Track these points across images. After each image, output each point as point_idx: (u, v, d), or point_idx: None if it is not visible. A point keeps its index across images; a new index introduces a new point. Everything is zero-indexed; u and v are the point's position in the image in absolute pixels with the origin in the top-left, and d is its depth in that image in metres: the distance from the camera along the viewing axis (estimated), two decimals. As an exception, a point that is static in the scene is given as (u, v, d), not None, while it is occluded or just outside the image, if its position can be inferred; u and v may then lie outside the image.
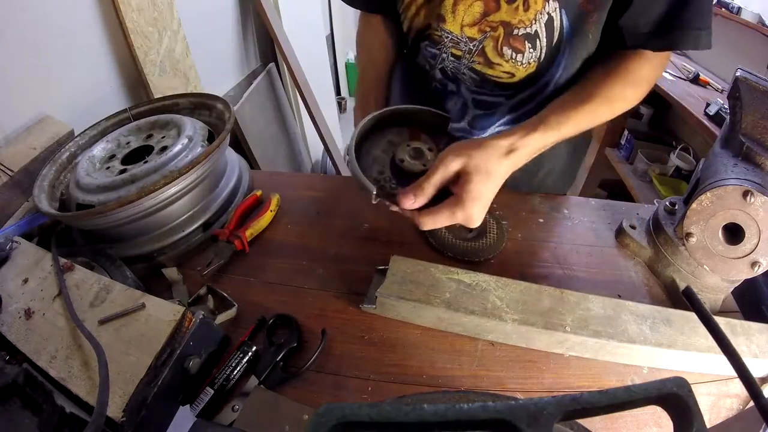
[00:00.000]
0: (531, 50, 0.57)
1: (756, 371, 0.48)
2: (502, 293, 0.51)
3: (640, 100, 0.58)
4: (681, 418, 0.20)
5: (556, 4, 0.53)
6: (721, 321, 0.49)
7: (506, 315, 0.48)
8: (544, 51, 0.57)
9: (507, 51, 0.57)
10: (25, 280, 0.50)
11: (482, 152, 0.46)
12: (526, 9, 0.54)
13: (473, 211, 0.45)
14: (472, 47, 0.59)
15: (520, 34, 0.55)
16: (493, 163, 0.46)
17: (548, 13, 0.53)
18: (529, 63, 0.58)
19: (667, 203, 0.60)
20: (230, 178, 0.69)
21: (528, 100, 0.64)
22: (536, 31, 0.55)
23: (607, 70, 0.56)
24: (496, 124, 0.67)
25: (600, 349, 0.49)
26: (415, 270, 0.53)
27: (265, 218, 0.65)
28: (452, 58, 0.61)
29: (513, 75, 0.60)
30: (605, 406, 0.19)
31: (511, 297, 0.50)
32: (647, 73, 0.56)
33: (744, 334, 0.48)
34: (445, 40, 0.60)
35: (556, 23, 0.54)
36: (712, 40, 0.53)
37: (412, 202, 0.46)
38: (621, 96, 0.55)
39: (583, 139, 0.80)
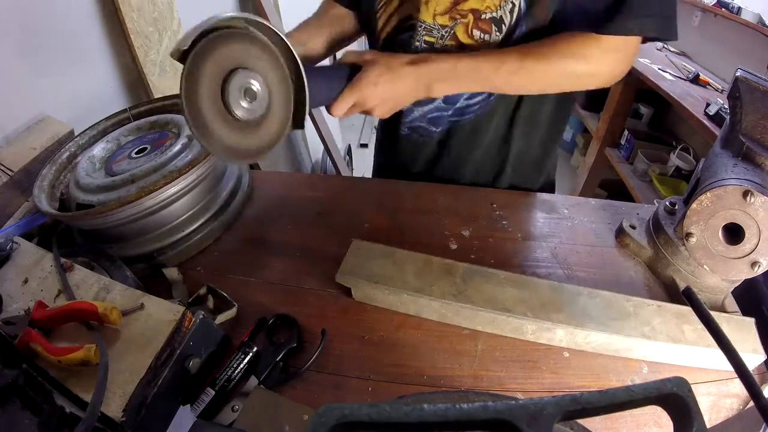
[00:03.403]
0: (497, 33, 0.60)
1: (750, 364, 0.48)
2: (489, 285, 0.51)
3: (591, 82, 0.58)
4: (681, 418, 0.20)
5: None
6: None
7: (494, 305, 0.49)
8: (506, 32, 0.60)
9: (476, 33, 0.61)
10: (25, 281, 0.50)
11: (387, 56, 0.56)
12: None
13: (367, 93, 0.53)
14: (444, 33, 0.62)
15: (487, 17, 0.59)
16: (395, 62, 0.55)
17: (512, 2, 0.57)
18: (495, 43, 0.61)
19: (667, 203, 0.60)
20: (230, 178, 0.69)
21: None
22: (501, 16, 0.58)
23: (551, 40, 0.57)
24: (465, 97, 0.69)
25: (599, 346, 0.49)
26: (378, 252, 0.55)
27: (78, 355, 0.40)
28: (425, 45, 0.64)
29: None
30: (605, 406, 0.19)
31: (505, 290, 0.50)
32: (595, 52, 0.55)
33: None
34: (419, 29, 0.63)
35: (516, 8, 0.58)
36: (675, 31, 0.52)
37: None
38: (560, 60, 0.56)
39: (556, 130, 0.78)
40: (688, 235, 0.51)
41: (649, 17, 0.51)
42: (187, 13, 1.30)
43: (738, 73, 0.51)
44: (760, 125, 0.50)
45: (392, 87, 0.55)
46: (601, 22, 0.53)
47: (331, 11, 0.74)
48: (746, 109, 0.51)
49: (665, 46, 2.08)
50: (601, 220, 0.68)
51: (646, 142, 2.00)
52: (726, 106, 1.41)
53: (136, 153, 0.62)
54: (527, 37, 0.60)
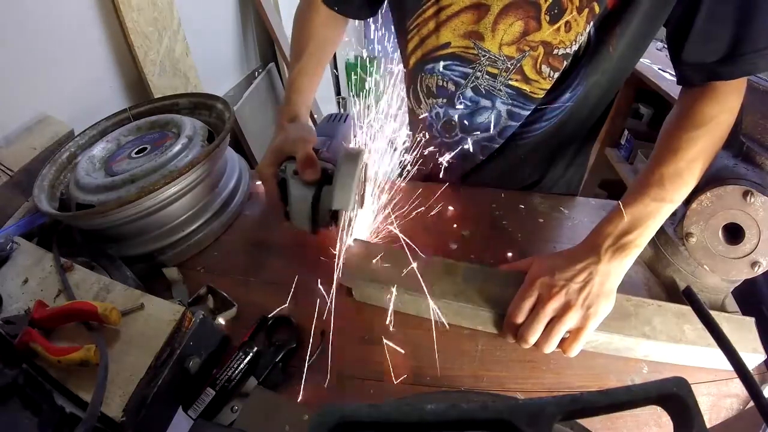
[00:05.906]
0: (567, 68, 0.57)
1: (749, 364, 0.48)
2: (489, 285, 0.51)
3: (732, 121, 0.52)
4: (681, 418, 0.20)
5: (592, 23, 0.52)
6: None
7: (494, 304, 0.49)
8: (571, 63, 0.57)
9: (545, 69, 0.57)
10: (25, 280, 0.50)
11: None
12: (568, 30, 0.53)
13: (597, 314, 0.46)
14: (509, 66, 0.58)
15: (559, 54, 0.55)
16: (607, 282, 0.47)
17: (588, 34, 0.53)
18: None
19: (667, 203, 0.60)
20: (230, 178, 0.69)
21: (546, 105, 0.63)
22: (575, 51, 0.55)
23: (673, 120, 0.54)
24: (519, 126, 0.67)
25: (600, 345, 0.49)
26: (378, 252, 0.55)
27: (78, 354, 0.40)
28: (487, 76, 0.61)
29: (545, 90, 0.60)
30: (605, 406, 0.19)
31: (506, 290, 0.50)
32: (728, 98, 0.51)
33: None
34: (482, 58, 0.59)
35: (586, 39, 0.54)
36: None
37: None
38: (710, 128, 0.50)
39: (586, 145, 0.79)
40: (688, 235, 0.51)
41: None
42: (187, 13, 1.30)
43: (738, 73, 0.51)
44: (760, 125, 0.50)
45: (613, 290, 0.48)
46: (726, 67, 0.49)
47: (329, 34, 0.68)
48: (746, 109, 0.51)
49: (665, 45, 2.08)
50: (601, 220, 0.68)
51: (646, 142, 1.99)
52: (726, 106, 1.41)
53: (136, 153, 0.62)
54: (593, 75, 0.57)
